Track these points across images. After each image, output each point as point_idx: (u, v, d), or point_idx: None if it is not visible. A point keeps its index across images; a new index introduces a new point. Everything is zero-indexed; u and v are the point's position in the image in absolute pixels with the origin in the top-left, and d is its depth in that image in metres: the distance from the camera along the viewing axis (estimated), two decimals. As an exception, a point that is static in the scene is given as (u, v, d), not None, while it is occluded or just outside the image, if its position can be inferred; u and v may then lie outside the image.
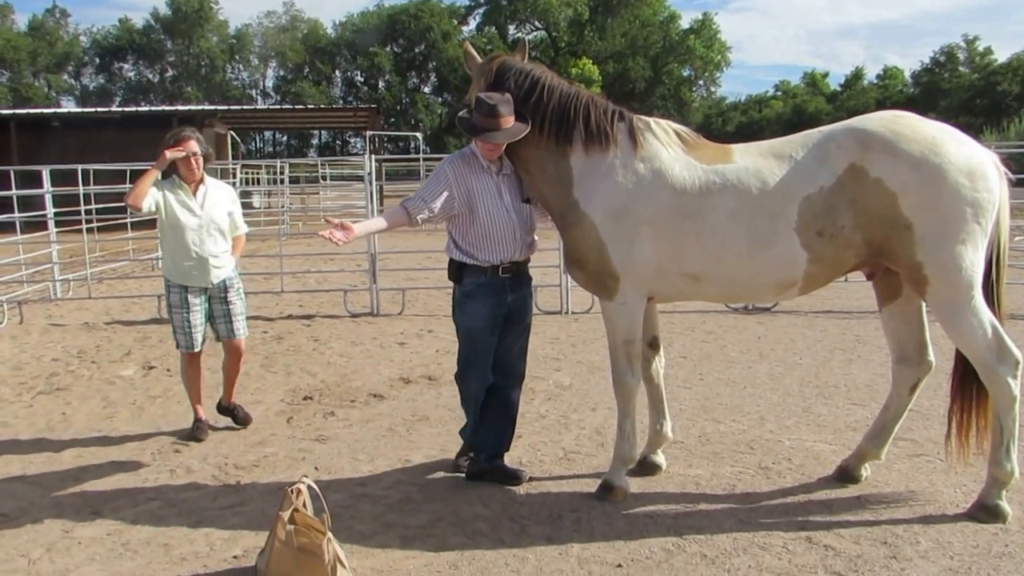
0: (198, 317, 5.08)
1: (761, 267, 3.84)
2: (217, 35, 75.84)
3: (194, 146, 4.92)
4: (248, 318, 5.44)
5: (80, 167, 11.50)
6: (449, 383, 6.30)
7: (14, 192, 10.44)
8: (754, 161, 3.87)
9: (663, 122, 4.11)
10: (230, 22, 77.64)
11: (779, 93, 73.59)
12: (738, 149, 4.00)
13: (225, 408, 5.41)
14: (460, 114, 4.11)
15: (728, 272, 3.89)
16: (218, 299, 5.15)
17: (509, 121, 3.93)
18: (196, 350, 5.10)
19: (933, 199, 3.61)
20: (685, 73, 68.64)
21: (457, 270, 4.17)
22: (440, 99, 71.72)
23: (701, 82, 71.84)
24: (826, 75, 73.76)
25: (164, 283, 5.18)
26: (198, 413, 5.25)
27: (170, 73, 75.96)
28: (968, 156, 3.67)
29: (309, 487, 3.29)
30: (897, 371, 4.20)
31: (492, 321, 4.15)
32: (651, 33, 65.33)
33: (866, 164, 3.68)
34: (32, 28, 75.44)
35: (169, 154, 4.84)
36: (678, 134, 4.05)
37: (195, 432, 5.16)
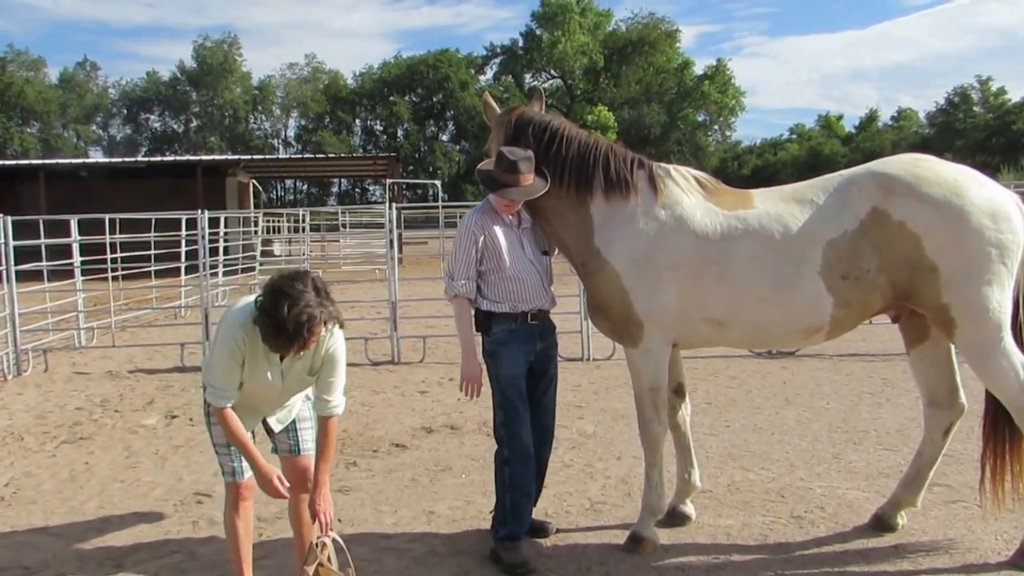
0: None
1: (787, 312, 3.82)
2: (241, 86, 77.74)
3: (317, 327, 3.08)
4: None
5: (107, 216, 11.74)
6: (472, 432, 6.27)
7: (42, 241, 10.64)
8: (775, 206, 3.88)
9: (683, 169, 4.12)
10: (253, 74, 79.74)
11: (794, 136, 73.91)
12: (759, 194, 4.02)
13: None
14: (480, 165, 4.07)
15: (754, 317, 3.87)
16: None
17: (528, 179, 3.88)
18: (246, 477, 3.43)
19: (957, 241, 3.61)
20: (700, 118, 69.18)
21: (485, 319, 4.03)
22: (458, 147, 72.73)
23: (716, 127, 72.33)
24: (840, 117, 74.07)
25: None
26: None
27: (195, 123, 77.79)
28: (990, 198, 3.67)
29: (334, 540, 3.25)
30: (929, 415, 4.13)
31: (527, 367, 4.03)
32: (665, 80, 66.15)
33: (888, 207, 3.68)
34: (63, 81, 77.80)
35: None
36: (698, 180, 4.07)
37: None
